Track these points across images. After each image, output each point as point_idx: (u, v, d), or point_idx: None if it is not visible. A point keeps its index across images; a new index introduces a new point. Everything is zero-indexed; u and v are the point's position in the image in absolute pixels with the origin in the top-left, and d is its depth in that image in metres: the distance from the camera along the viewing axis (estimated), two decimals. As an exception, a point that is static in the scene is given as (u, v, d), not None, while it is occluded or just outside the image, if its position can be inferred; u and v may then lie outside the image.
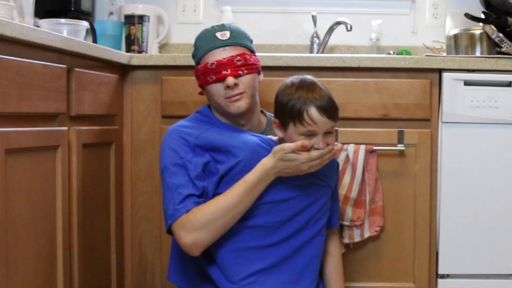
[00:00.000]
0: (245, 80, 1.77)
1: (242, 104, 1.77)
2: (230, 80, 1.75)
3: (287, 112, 1.66)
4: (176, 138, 1.75)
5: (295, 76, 1.73)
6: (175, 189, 1.70)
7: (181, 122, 1.83)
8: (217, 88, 1.78)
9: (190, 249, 1.68)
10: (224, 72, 1.76)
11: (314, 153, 1.65)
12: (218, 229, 1.67)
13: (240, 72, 1.76)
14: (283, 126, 1.69)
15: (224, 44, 1.78)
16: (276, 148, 1.66)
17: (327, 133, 1.66)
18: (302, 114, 1.63)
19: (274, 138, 1.79)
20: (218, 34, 1.80)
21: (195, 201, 1.68)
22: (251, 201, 1.68)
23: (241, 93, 1.77)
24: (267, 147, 1.73)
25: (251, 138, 1.76)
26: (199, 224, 1.65)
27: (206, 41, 1.81)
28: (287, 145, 1.64)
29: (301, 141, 1.64)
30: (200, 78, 1.82)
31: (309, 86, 1.67)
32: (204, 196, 1.70)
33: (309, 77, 1.72)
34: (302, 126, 1.64)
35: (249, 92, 1.78)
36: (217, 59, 1.77)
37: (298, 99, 1.65)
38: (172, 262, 1.87)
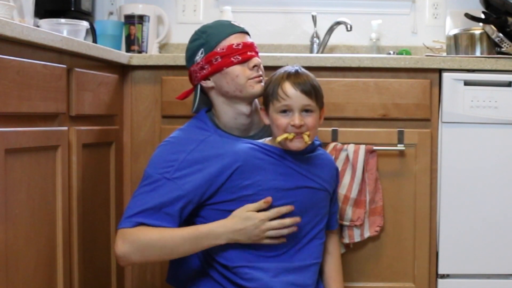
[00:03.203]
0: (262, 66, 1.84)
1: (260, 87, 1.80)
2: (257, 60, 1.80)
3: (266, 94, 1.73)
4: (169, 151, 1.76)
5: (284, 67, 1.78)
6: (138, 200, 1.71)
7: (176, 133, 1.83)
8: (240, 69, 1.79)
9: (118, 259, 1.70)
10: (249, 53, 1.80)
11: (271, 212, 1.67)
12: (150, 257, 1.70)
13: (259, 58, 1.83)
14: (266, 109, 1.74)
15: (244, 30, 1.85)
16: (238, 209, 1.68)
17: (306, 111, 1.69)
18: (277, 90, 1.70)
19: (267, 140, 1.79)
20: (234, 23, 1.85)
21: (144, 222, 1.68)
22: (192, 251, 1.69)
23: (261, 76, 1.81)
24: (261, 150, 1.74)
25: (242, 146, 1.75)
26: (137, 243, 1.66)
27: (223, 27, 1.84)
28: (250, 204, 1.68)
29: (265, 199, 1.67)
30: (218, 62, 1.79)
31: (290, 71, 1.73)
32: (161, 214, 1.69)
33: (296, 66, 1.76)
34: (277, 102, 1.69)
35: (263, 78, 1.82)
36: (243, 41, 1.80)
37: (275, 81, 1.72)
38: (172, 265, 1.87)
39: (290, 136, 1.68)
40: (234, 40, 1.80)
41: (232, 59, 1.79)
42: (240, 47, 1.79)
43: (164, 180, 1.70)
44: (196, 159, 1.73)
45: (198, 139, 1.77)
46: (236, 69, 1.79)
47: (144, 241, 1.66)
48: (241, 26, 1.86)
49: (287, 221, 1.69)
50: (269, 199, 1.68)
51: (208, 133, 1.80)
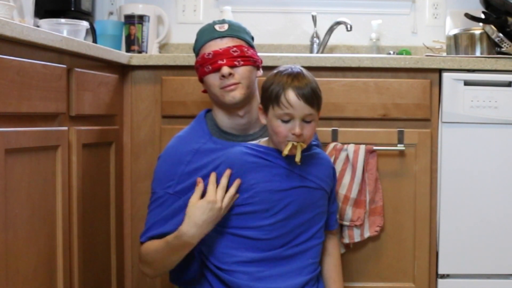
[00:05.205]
0: (241, 71, 1.79)
1: (236, 94, 1.78)
2: (225, 69, 1.77)
3: (267, 95, 1.68)
4: (168, 164, 1.82)
5: (285, 65, 1.74)
6: (149, 217, 1.82)
7: (174, 141, 1.86)
8: (213, 78, 1.80)
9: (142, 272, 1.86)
10: (219, 62, 1.77)
11: (211, 189, 1.68)
12: (157, 269, 1.79)
13: (236, 63, 1.78)
14: (265, 110, 1.71)
15: (222, 35, 1.81)
16: (187, 209, 1.68)
17: (306, 121, 1.67)
18: (279, 97, 1.65)
19: (262, 141, 1.79)
20: (217, 26, 1.83)
21: (153, 234, 1.78)
22: (179, 256, 1.72)
23: (236, 83, 1.78)
24: (254, 153, 1.73)
25: (234, 150, 1.75)
26: (141, 259, 1.81)
27: (205, 33, 1.84)
28: (192, 197, 1.69)
29: (197, 182, 1.70)
30: (199, 70, 1.84)
31: (293, 73, 1.68)
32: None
33: (297, 66, 1.73)
34: (279, 109, 1.66)
35: (244, 83, 1.79)
36: (214, 49, 1.79)
37: (278, 83, 1.67)
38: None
39: (294, 144, 1.66)
40: (207, 48, 1.81)
41: (205, 69, 1.80)
42: (210, 56, 1.79)
43: (167, 195, 1.79)
44: (194, 169, 1.78)
45: (193, 149, 1.81)
46: (209, 79, 1.81)
47: (144, 257, 1.79)
48: (225, 28, 1.82)
49: (229, 187, 1.70)
50: (199, 179, 1.71)
51: (203, 140, 1.83)
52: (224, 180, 1.69)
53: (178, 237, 1.67)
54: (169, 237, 1.71)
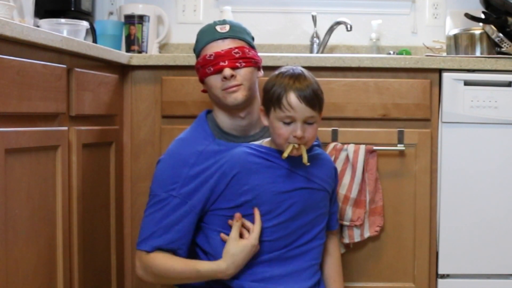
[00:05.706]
0: (243, 72, 1.78)
1: (238, 96, 1.77)
2: (227, 71, 1.76)
3: (269, 97, 1.68)
4: (171, 166, 1.79)
5: (286, 66, 1.74)
6: (149, 220, 1.77)
7: (175, 144, 1.84)
8: (215, 80, 1.79)
9: (139, 277, 1.82)
10: (221, 64, 1.77)
11: (255, 233, 1.69)
12: (169, 283, 1.79)
13: (238, 64, 1.77)
14: (267, 112, 1.70)
15: (223, 36, 1.80)
16: (227, 248, 1.70)
17: (308, 123, 1.66)
18: (281, 99, 1.65)
19: (265, 141, 1.79)
20: (218, 27, 1.82)
21: (159, 244, 1.75)
22: (199, 281, 1.75)
23: (238, 85, 1.78)
24: (257, 153, 1.73)
25: (238, 151, 1.74)
26: (149, 271, 1.76)
27: (206, 33, 1.84)
28: (231, 235, 1.69)
29: (235, 216, 1.70)
30: (200, 71, 1.83)
31: (295, 75, 1.68)
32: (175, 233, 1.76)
33: (299, 67, 1.72)
34: (281, 111, 1.65)
35: (246, 84, 1.78)
36: (216, 51, 1.79)
37: (280, 85, 1.66)
38: None
39: (296, 146, 1.66)
40: (209, 49, 1.80)
41: (206, 70, 1.80)
42: (212, 57, 1.78)
43: (171, 198, 1.75)
44: (198, 172, 1.75)
45: (197, 151, 1.78)
46: (211, 80, 1.80)
47: (155, 271, 1.75)
48: (227, 29, 1.82)
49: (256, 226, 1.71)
50: (238, 215, 1.71)
51: (207, 142, 1.81)
52: (259, 220, 1.70)
53: (216, 272, 1.69)
54: (200, 267, 1.71)
